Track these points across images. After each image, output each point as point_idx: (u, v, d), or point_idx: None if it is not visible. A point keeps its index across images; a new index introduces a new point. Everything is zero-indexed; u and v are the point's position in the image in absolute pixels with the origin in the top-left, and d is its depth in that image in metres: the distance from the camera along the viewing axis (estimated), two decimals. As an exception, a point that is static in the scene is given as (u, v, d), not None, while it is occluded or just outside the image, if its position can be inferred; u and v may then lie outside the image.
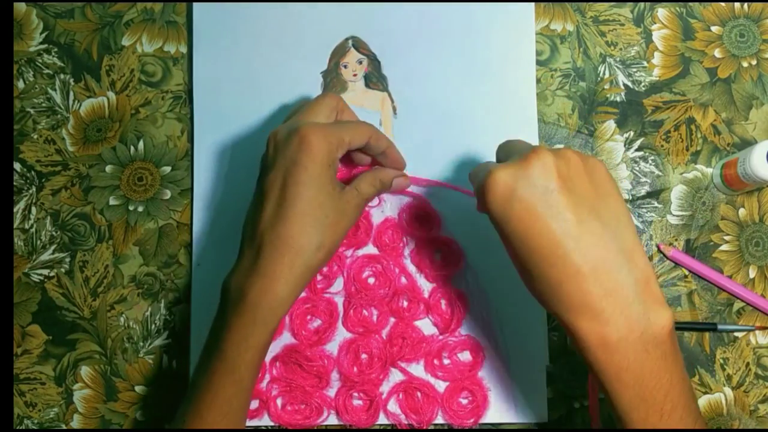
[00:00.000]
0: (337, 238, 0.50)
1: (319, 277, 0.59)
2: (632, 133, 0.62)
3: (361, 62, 0.62)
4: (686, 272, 0.60)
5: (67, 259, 0.61)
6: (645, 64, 0.62)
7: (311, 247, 0.48)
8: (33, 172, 0.62)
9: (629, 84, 0.62)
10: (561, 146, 0.44)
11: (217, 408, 0.48)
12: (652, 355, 0.40)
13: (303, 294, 0.59)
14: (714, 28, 0.63)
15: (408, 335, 0.58)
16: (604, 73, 0.62)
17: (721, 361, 0.60)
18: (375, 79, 0.62)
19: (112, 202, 0.61)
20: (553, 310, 0.42)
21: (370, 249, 0.60)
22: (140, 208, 0.61)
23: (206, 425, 0.48)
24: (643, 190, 0.61)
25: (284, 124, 0.51)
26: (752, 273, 0.61)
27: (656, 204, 0.61)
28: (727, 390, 0.60)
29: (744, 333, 0.60)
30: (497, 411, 0.58)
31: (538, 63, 0.62)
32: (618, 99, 0.62)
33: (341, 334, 0.59)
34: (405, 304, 0.59)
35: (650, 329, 0.40)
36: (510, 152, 0.46)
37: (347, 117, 0.54)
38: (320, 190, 0.48)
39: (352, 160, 0.56)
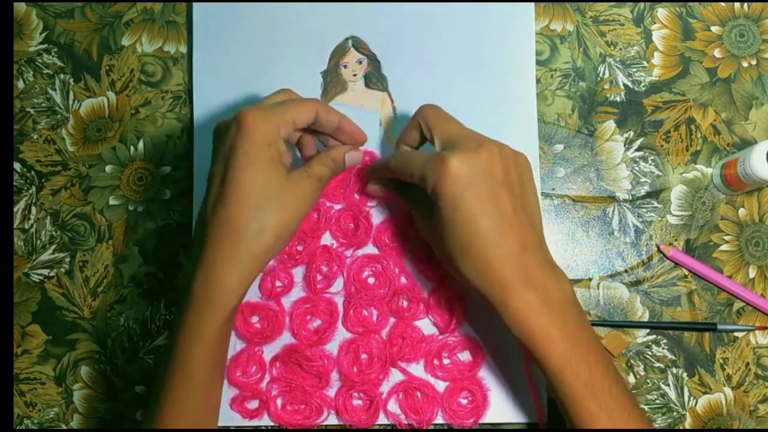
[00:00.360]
0: (287, 220, 0.48)
1: (319, 277, 0.59)
2: (632, 133, 0.62)
3: (361, 62, 0.62)
4: (686, 272, 0.60)
5: (67, 259, 0.61)
6: (645, 64, 0.62)
7: (251, 230, 0.47)
8: (33, 172, 0.62)
9: (629, 84, 0.62)
10: (487, 138, 0.50)
11: (171, 406, 0.47)
12: (569, 314, 0.47)
13: (303, 294, 0.59)
14: (714, 28, 0.63)
15: (408, 335, 0.58)
16: (603, 73, 0.62)
17: (721, 361, 0.60)
18: (375, 79, 0.62)
19: (112, 202, 0.61)
20: (484, 288, 0.47)
21: (370, 249, 0.60)
22: (140, 208, 0.61)
23: (164, 426, 0.47)
24: (643, 190, 0.61)
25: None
26: (752, 273, 0.61)
27: (656, 204, 0.61)
28: (727, 390, 0.60)
29: (744, 333, 0.60)
30: (497, 411, 0.58)
31: (538, 63, 0.62)
32: (618, 99, 0.62)
33: (341, 334, 0.59)
34: (405, 304, 0.59)
35: (563, 292, 0.48)
36: (447, 134, 0.50)
37: (330, 119, 0.53)
38: (259, 172, 0.47)
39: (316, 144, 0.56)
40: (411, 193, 0.54)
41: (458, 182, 0.46)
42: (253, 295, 0.59)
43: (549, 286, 0.47)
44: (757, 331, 0.60)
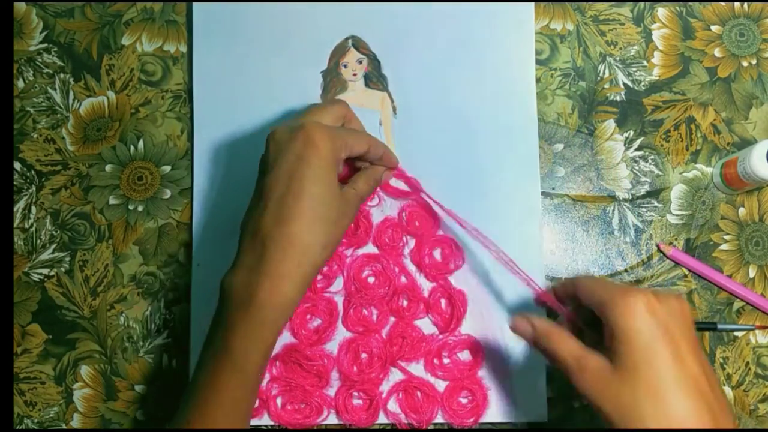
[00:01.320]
0: (340, 236, 0.50)
1: (319, 277, 0.59)
2: (632, 133, 0.62)
3: (361, 62, 0.62)
4: (686, 271, 0.60)
5: (67, 259, 0.61)
6: (645, 63, 0.62)
7: (318, 246, 0.48)
8: (33, 172, 0.62)
9: (629, 83, 0.62)
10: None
11: (223, 408, 0.47)
12: None
13: (303, 293, 0.59)
14: (714, 28, 0.63)
15: (408, 334, 0.58)
16: (603, 73, 0.62)
17: (721, 360, 0.60)
18: (375, 78, 0.62)
19: (112, 201, 0.61)
20: (631, 427, 0.42)
21: (370, 248, 0.60)
22: (140, 208, 0.61)
23: (211, 425, 0.47)
24: (643, 190, 0.61)
25: (284, 123, 0.51)
26: (752, 272, 0.61)
27: (656, 203, 0.61)
28: (727, 389, 0.60)
29: (744, 332, 0.60)
30: (497, 410, 0.58)
31: (538, 62, 0.62)
32: (618, 98, 0.62)
33: (341, 334, 0.59)
34: (405, 303, 0.59)
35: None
36: (629, 288, 0.46)
37: (354, 126, 0.55)
38: (325, 188, 0.48)
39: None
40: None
41: (653, 318, 0.42)
42: (253, 294, 0.59)
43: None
44: (757, 331, 0.60)
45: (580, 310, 0.50)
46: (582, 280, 0.49)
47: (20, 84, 0.62)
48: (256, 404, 0.58)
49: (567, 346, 0.46)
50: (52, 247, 0.61)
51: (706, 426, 0.41)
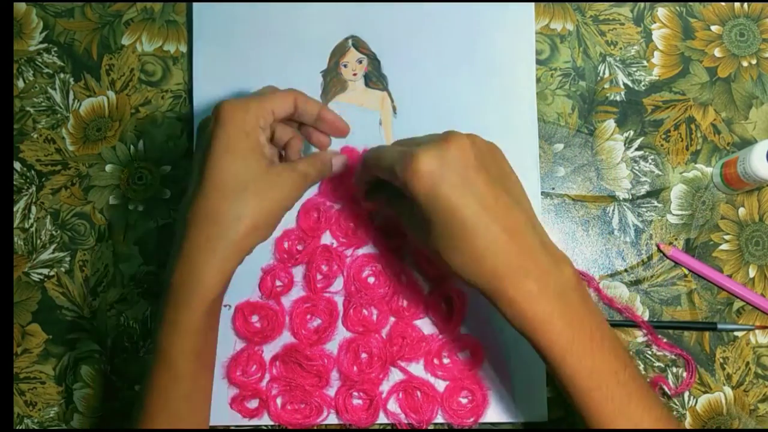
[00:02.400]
0: (265, 210, 0.48)
1: (319, 277, 0.59)
2: (632, 133, 0.62)
3: (361, 62, 0.62)
4: (686, 271, 0.60)
5: (67, 259, 0.61)
6: (645, 63, 0.62)
7: (227, 218, 0.46)
8: (33, 172, 0.62)
9: (629, 83, 0.62)
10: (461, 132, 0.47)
11: (154, 398, 0.47)
12: (569, 300, 0.45)
13: (303, 293, 0.59)
14: (714, 28, 0.63)
15: (408, 335, 0.58)
16: (603, 73, 0.62)
17: (721, 360, 0.60)
18: (375, 78, 0.62)
19: (112, 201, 0.61)
20: (477, 280, 0.45)
21: (370, 248, 0.60)
22: (140, 208, 0.61)
23: (148, 416, 0.47)
24: (643, 190, 0.61)
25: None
26: (752, 272, 0.61)
27: (656, 203, 0.61)
28: (727, 389, 0.60)
29: (744, 332, 0.60)
30: (497, 410, 0.58)
31: (538, 62, 0.62)
32: (618, 98, 0.62)
33: (341, 334, 0.59)
34: (405, 303, 0.59)
35: (562, 277, 0.45)
36: (418, 140, 0.48)
37: (310, 109, 0.53)
38: (237, 159, 0.47)
39: (310, 140, 0.55)
40: (397, 199, 0.52)
41: (430, 177, 0.44)
42: (253, 294, 0.59)
43: (546, 271, 0.45)
44: (757, 331, 0.60)
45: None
46: (366, 155, 0.51)
47: (20, 84, 0.62)
48: (256, 404, 0.58)
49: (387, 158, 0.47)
50: (52, 247, 0.61)
51: (489, 252, 0.44)
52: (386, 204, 0.53)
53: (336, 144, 0.57)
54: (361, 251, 0.60)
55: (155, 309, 0.60)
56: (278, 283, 0.59)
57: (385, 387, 0.58)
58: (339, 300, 0.59)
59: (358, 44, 0.62)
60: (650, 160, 0.62)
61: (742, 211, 0.61)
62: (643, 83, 0.62)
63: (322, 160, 0.54)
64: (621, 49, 0.63)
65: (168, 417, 0.48)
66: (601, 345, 0.45)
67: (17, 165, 0.62)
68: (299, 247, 0.59)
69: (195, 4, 0.62)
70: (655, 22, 0.63)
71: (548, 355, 0.45)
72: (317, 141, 0.55)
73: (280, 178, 0.49)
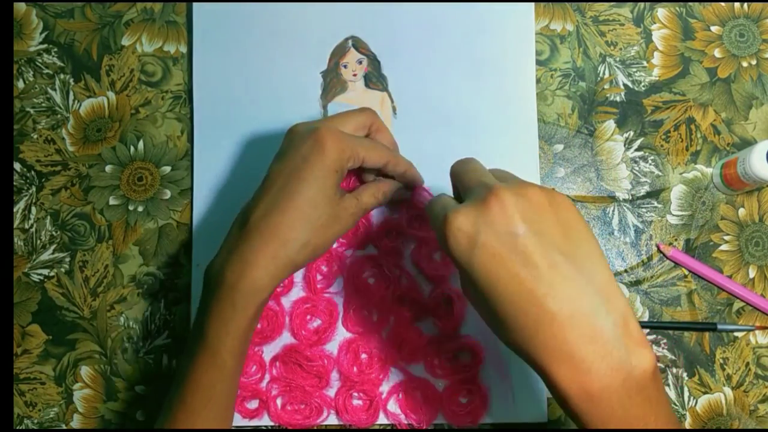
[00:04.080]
0: (326, 241, 0.50)
1: (319, 277, 0.59)
2: (632, 133, 0.62)
3: (361, 62, 0.62)
4: (686, 272, 0.60)
5: (67, 259, 0.61)
6: (645, 63, 0.62)
7: (297, 243, 0.48)
8: (33, 172, 0.62)
9: (629, 84, 0.62)
10: (522, 180, 0.41)
11: (200, 393, 0.48)
12: (636, 401, 0.37)
13: (302, 294, 0.59)
14: (714, 28, 0.63)
15: (408, 335, 0.58)
16: (603, 73, 0.62)
17: (721, 360, 0.60)
18: (375, 79, 0.62)
19: (112, 202, 0.61)
20: (530, 359, 0.38)
21: (370, 249, 0.60)
22: (140, 208, 0.61)
23: (190, 412, 0.48)
24: (643, 190, 0.61)
25: (308, 122, 0.52)
26: (752, 273, 0.61)
27: (656, 204, 0.61)
28: (727, 390, 0.60)
29: (744, 333, 0.60)
30: (497, 411, 0.58)
31: (538, 63, 0.62)
32: (618, 99, 0.62)
33: (341, 334, 0.59)
34: (405, 304, 0.59)
35: (633, 374, 0.37)
36: (467, 186, 0.43)
37: (380, 137, 0.54)
38: (320, 192, 0.49)
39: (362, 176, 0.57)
40: None
41: (465, 243, 0.38)
42: (253, 295, 0.59)
43: (612, 364, 0.37)
44: (757, 331, 0.60)
45: None
46: (428, 205, 0.45)
47: (20, 84, 0.62)
48: (256, 405, 0.58)
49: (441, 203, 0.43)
50: (52, 247, 0.61)
51: (530, 332, 0.37)
52: None
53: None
54: (361, 252, 0.60)
55: (155, 311, 0.60)
56: (278, 283, 0.59)
57: (385, 387, 0.58)
58: (339, 300, 0.59)
59: (358, 45, 0.62)
60: (650, 161, 0.62)
61: (742, 211, 0.61)
62: (643, 84, 0.62)
63: (384, 191, 0.55)
64: (621, 49, 0.63)
65: (212, 412, 0.48)
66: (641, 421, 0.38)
67: (17, 165, 0.62)
68: (299, 248, 0.59)
69: (195, 4, 0.62)
70: (655, 23, 0.63)
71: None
72: (399, 196, 0.57)
73: (346, 213, 0.51)
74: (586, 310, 0.37)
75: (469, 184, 0.43)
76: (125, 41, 0.63)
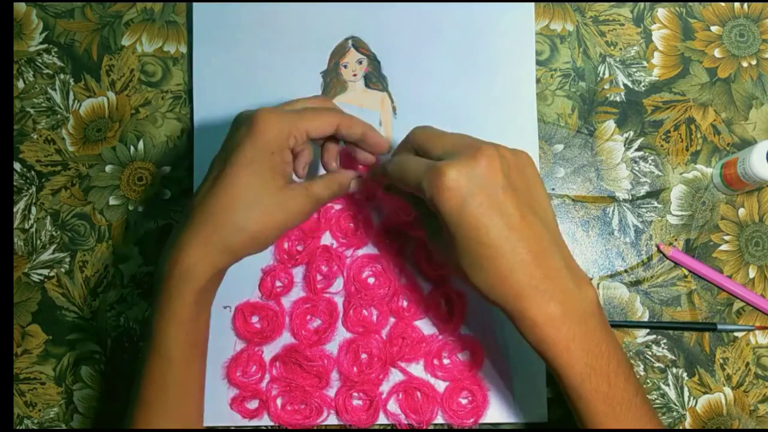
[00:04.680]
0: (267, 228, 0.48)
1: (319, 277, 0.59)
2: (632, 133, 0.62)
3: (360, 62, 0.62)
4: (686, 272, 0.60)
5: (67, 259, 0.61)
6: (645, 64, 0.62)
7: (231, 227, 0.47)
8: (33, 172, 0.62)
9: (629, 84, 0.62)
10: (491, 142, 0.46)
11: (152, 387, 0.48)
12: (590, 325, 0.45)
13: (303, 294, 0.59)
14: (714, 28, 0.63)
15: (408, 335, 0.58)
16: (603, 73, 0.62)
17: (721, 360, 0.60)
18: (375, 79, 0.62)
19: (112, 202, 0.61)
20: (500, 300, 0.45)
21: (370, 249, 0.60)
22: (140, 208, 0.61)
23: (144, 406, 0.48)
24: (643, 190, 0.61)
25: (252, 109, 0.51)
26: (752, 273, 0.61)
27: (656, 204, 0.61)
28: (727, 390, 0.60)
29: (744, 333, 0.60)
30: (497, 411, 0.58)
31: (538, 63, 0.62)
32: (618, 99, 0.62)
33: (341, 334, 0.59)
34: (405, 303, 0.59)
35: (584, 302, 0.45)
36: (445, 146, 0.47)
37: (353, 129, 0.52)
38: (256, 176, 0.47)
39: (353, 155, 0.55)
40: (419, 202, 0.51)
41: (458, 194, 0.43)
42: (253, 295, 0.59)
43: (568, 294, 0.44)
44: (757, 331, 0.60)
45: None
46: (390, 164, 0.49)
47: (20, 84, 0.62)
48: (256, 405, 0.58)
49: (412, 169, 0.47)
50: (52, 247, 0.61)
51: (513, 272, 0.43)
52: (406, 198, 0.54)
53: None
54: (361, 251, 0.60)
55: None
56: (278, 283, 0.59)
57: (385, 387, 0.58)
58: (339, 300, 0.59)
59: (358, 45, 0.62)
60: (650, 161, 0.62)
61: (742, 211, 0.61)
62: (643, 84, 0.62)
63: (340, 182, 0.53)
64: (621, 49, 0.63)
65: (163, 404, 0.48)
66: (617, 371, 0.45)
67: (17, 165, 0.62)
68: (299, 248, 0.59)
69: (195, 5, 0.62)
70: (655, 23, 0.63)
71: (566, 379, 0.45)
72: (363, 159, 0.54)
73: (292, 200, 0.49)
74: (547, 252, 0.45)
75: (449, 143, 0.47)
76: (125, 41, 0.63)
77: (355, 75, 0.62)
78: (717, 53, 0.63)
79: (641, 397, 0.45)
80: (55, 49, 0.63)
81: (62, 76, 0.63)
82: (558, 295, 0.44)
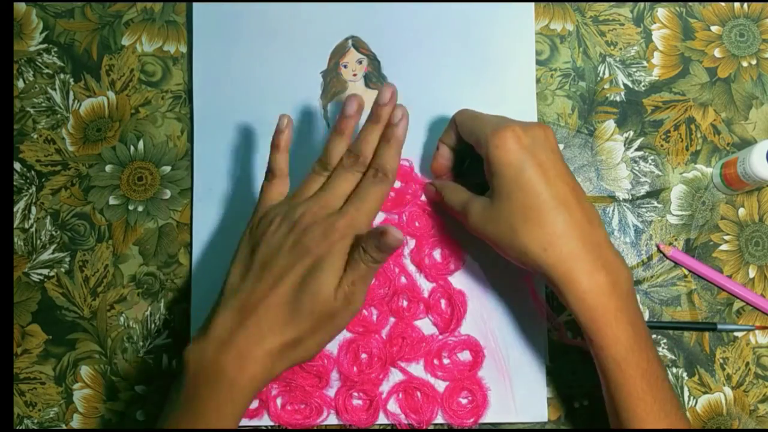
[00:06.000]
0: (325, 341, 0.49)
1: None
2: (632, 133, 0.62)
3: (360, 62, 0.62)
4: (686, 272, 0.60)
5: (67, 259, 0.61)
6: (645, 63, 0.62)
7: (304, 353, 0.47)
8: (33, 172, 0.62)
9: (629, 84, 0.62)
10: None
11: None
12: (632, 299, 0.46)
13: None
14: (714, 28, 0.63)
15: (408, 335, 0.58)
16: (603, 73, 0.62)
17: (721, 360, 0.60)
18: (375, 79, 0.62)
19: (112, 201, 0.61)
20: (548, 264, 0.45)
21: (370, 249, 0.60)
22: (140, 208, 0.61)
23: None
24: (643, 190, 0.61)
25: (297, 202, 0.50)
26: (752, 273, 0.61)
27: (656, 204, 0.61)
28: (727, 390, 0.60)
29: (744, 333, 0.60)
30: (497, 411, 0.58)
31: (538, 63, 0.62)
32: (618, 99, 0.62)
33: (341, 334, 0.59)
34: (405, 303, 0.59)
35: (628, 276, 0.47)
36: (493, 121, 0.49)
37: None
38: (328, 303, 0.46)
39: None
40: (462, 178, 0.55)
41: (521, 149, 0.46)
42: (253, 294, 0.59)
43: (615, 266, 0.45)
44: (757, 331, 0.60)
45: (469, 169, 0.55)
46: (459, 116, 0.53)
47: (20, 84, 0.62)
48: (256, 405, 0.58)
49: (457, 195, 0.52)
50: (52, 247, 0.61)
51: (569, 234, 0.45)
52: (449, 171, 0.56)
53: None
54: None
55: (155, 311, 0.60)
56: (278, 283, 0.59)
57: (385, 387, 0.58)
58: (339, 300, 0.59)
59: (358, 45, 0.62)
60: (650, 161, 0.62)
61: (742, 211, 0.61)
62: (643, 84, 0.62)
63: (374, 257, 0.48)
64: (621, 49, 0.63)
65: None
66: (652, 348, 0.46)
67: (17, 165, 0.62)
68: (299, 248, 0.59)
69: (195, 4, 0.62)
70: (655, 23, 0.63)
71: (608, 352, 0.45)
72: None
73: (342, 320, 0.48)
74: (594, 223, 0.47)
75: (498, 118, 0.50)
76: (125, 41, 0.63)
77: (355, 75, 0.62)
78: (717, 53, 0.63)
79: (667, 378, 0.47)
80: (55, 49, 0.63)
81: (62, 75, 0.63)
82: (607, 265, 0.45)
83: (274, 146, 0.52)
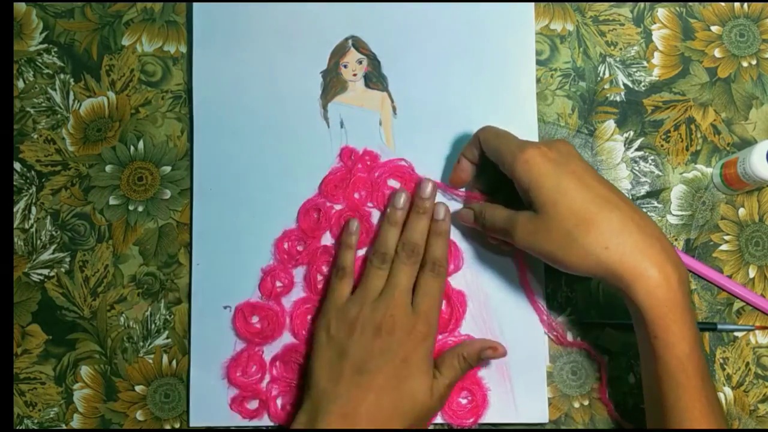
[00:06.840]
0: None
1: (319, 277, 0.59)
2: (632, 133, 0.62)
3: (361, 62, 0.62)
4: (686, 272, 0.60)
5: (67, 259, 0.61)
6: (645, 63, 0.62)
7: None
8: (33, 172, 0.62)
9: (629, 84, 0.62)
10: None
11: None
12: (687, 297, 0.45)
13: (303, 294, 0.59)
14: (714, 28, 0.63)
15: (408, 335, 0.58)
16: (603, 73, 0.62)
17: (721, 360, 0.60)
18: (375, 78, 0.62)
19: (112, 201, 0.61)
20: (615, 259, 0.45)
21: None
22: (140, 208, 0.61)
23: None
24: (643, 190, 0.61)
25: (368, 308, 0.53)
26: (752, 273, 0.61)
27: (656, 204, 0.61)
28: (727, 390, 0.60)
29: (744, 333, 0.60)
30: (497, 411, 0.58)
31: (538, 63, 0.62)
32: (618, 99, 0.62)
33: (341, 334, 0.59)
34: (405, 303, 0.59)
35: (686, 270, 0.46)
36: (517, 141, 0.51)
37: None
38: (422, 399, 0.51)
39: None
40: (501, 199, 0.55)
41: (550, 161, 0.47)
42: (253, 295, 0.59)
43: (679, 260, 0.46)
44: (757, 331, 0.60)
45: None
46: (483, 134, 0.54)
47: (20, 84, 0.62)
48: (256, 405, 0.58)
49: (499, 213, 0.52)
50: (52, 247, 0.61)
51: (628, 229, 0.45)
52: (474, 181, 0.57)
53: (336, 139, 0.57)
54: (361, 252, 0.59)
55: (155, 311, 0.60)
56: (278, 284, 0.59)
57: (385, 387, 0.58)
58: (339, 300, 0.59)
59: (358, 44, 0.62)
60: (650, 161, 0.62)
61: (742, 211, 0.61)
62: (643, 84, 0.62)
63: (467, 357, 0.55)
64: (621, 49, 0.63)
65: None
66: (701, 347, 0.46)
67: (17, 165, 0.62)
68: (299, 248, 0.59)
69: (195, 4, 0.62)
70: (655, 23, 0.63)
71: (674, 352, 0.44)
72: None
73: (441, 402, 0.53)
74: (645, 218, 0.47)
75: (518, 139, 0.52)
76: (125, 41, 0.63)
77: (355, 75, 0.62)
78: (717, 53, 0.63)
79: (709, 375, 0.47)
80: (55, 49, 0.63)
81: (62, 76, 0.63)
82: (672, 258, 0.45)
83: (348, 246, 0.56)
